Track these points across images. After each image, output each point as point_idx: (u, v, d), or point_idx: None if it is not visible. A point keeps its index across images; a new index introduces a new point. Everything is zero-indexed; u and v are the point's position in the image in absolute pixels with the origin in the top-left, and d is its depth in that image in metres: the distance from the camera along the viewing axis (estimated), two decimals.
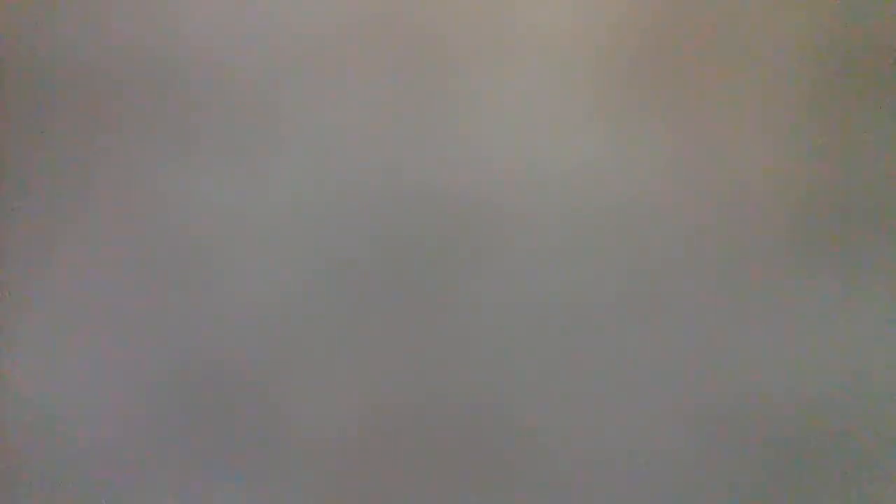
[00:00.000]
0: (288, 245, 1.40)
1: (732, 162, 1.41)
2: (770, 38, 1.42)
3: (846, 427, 1.40)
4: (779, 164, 1.41)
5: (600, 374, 1.40)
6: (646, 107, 1.41)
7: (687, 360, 1.40)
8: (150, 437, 1.39)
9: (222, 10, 1.41)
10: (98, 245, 1.40)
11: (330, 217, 1.41)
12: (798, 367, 1.41)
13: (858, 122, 1.42)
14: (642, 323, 1.40)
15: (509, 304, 1.40)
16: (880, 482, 1.40)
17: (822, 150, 1.42)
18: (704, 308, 1.41)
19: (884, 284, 1.41)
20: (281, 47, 1.41)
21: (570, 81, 1.41)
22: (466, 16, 1.41)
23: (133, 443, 1.39)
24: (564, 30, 1.42)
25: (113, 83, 1.41)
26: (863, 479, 1.40)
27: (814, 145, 1.42)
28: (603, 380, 1.40)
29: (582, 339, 1.40)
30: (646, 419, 1.40)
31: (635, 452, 1.40)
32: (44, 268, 1.40)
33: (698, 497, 1.40)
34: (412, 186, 1.41)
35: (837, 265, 1.41)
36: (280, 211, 1.40)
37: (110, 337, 1.40)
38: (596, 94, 1.41)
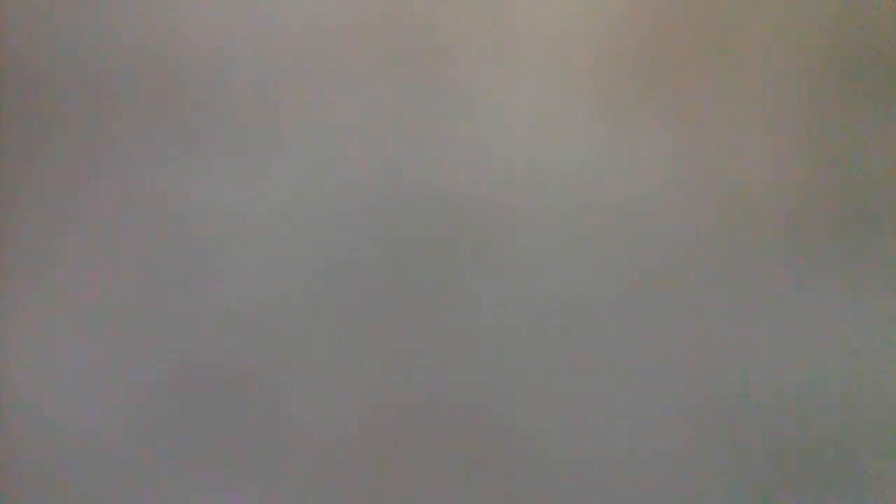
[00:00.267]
0: (288, 245, 1.40)
1: (732, 162, 1.42)
2: (770, 38, 1.42)
3: (845, 427, 1.40)
4: (779, 165, 1.42)
5: (600, 374, 1.40)
6: (646, 107, 1.41)
7: (687, 360, 1.40)
8: (150, 437, 1.40)
9: (222, 10, 1.41)
10: (98, 245, 1.40)
11: (330, 217, 1.41)
12: (798, 366, 1.41)
13: (858, 122, 1.42)
14: (642, 323, 1.40)
15: (509, 304, 1.40)
16: (880, 482, 1.40)
17: (822, 150, 1.42)
18: (704, 308, 1.41)
19: (884, 285, 1.41)
20: (281, 47, 1.41)
21: (570, 81, 1.41)
22: (467, 16, 1.41)
23: (133, 442, 1.39)
24: (564, 30, 1.42)
25: (113, 83, 1.41)
26: (862, 479, 1.40)
27: (814, 145, 1.42)
28: (603, 380, 1.40)
29: (582, 339, 1.40)
30: (645, 419, 1.40)
31: (635, 452, 1.40)
32: (43, 267, 1.40)
33: (698, 497, 1.40)
34: (412, 186, 1.41)
35: (837, 265, 1.41)
36: (280, 211, 1.40)
37: (110, 337, 1.40)
38: (596, 94, 1.41)
